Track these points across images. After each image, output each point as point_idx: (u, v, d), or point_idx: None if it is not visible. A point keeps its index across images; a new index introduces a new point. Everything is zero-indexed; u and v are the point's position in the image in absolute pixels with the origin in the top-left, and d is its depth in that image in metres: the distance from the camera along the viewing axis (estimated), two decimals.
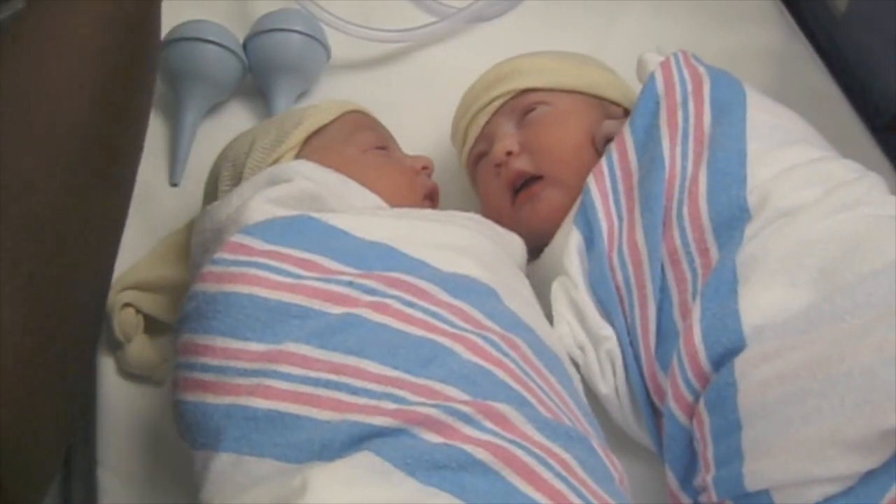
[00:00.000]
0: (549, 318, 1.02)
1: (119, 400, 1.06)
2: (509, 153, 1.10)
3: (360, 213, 0.97)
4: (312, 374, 0.83)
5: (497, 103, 1.14)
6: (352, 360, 0.83)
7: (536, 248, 1.09)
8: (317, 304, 0.86)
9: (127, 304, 1.08)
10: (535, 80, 1.14)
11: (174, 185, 1.24)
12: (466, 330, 0.86)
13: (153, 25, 0.85)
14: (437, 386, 0.82)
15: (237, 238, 0.92)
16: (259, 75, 1.30)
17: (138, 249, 1.14)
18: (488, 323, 0.88)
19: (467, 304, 0.88)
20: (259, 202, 0.95)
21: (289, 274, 0.88)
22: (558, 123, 1.11)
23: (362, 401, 0.82)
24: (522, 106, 1.13)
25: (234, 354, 0.86)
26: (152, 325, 1.11)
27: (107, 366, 1.08)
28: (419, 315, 0.86)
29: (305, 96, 1.33)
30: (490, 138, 1.14)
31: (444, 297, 0.88)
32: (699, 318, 0.92)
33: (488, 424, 0.80)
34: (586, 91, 1.14)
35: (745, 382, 0.88)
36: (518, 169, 1.10)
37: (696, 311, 0.93)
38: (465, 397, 0.82)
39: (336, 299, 0.86)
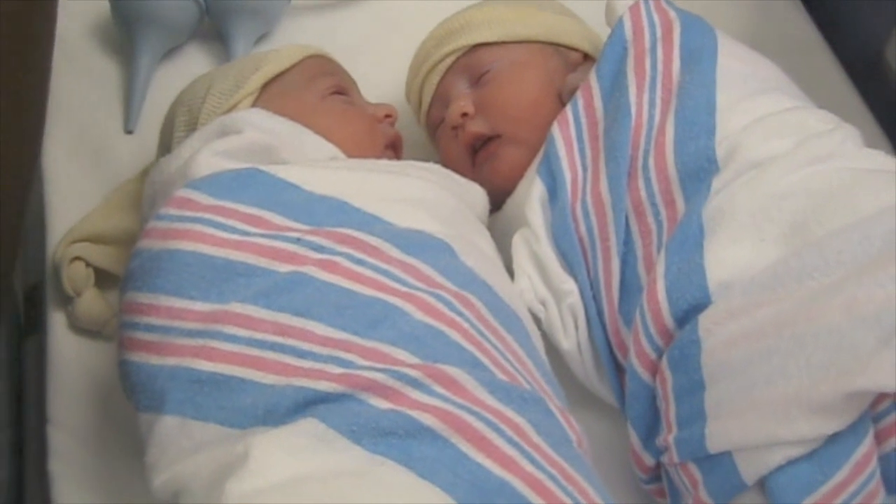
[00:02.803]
0: (511, 269, 1.01)
1: (69, 356, 1.05)
2: (465, 115, 1.08)
3: (312, 165, 0.94)
4: (258, 335, 0.81)
5: (448, 61, 1.12)
6: (298, 322, 0.81)
7: (500, 199, 1.08)
8: (263, 263, 0.84)
9: (77, 258, 1.07)
10: (486, 33, 1.11)
11: (129, 132, 1.22)
12: (418, 288, 0.85)
13: None
14: (386, 348, 0.80)
15: (183, 192, 0.89)
16: (217, 18, 1.28)
17: (92, 199, 1.14)
18: (441, 280, 0.87)
19: (420, 260, 0.87)
20: (207, 155, 0.93)
21: (235, 230, 0.86)
22: (513, 79, 1.08)
23: (308, 364, 0.80)
24: (475, 63, 1.11)
25: (179, 314, 0.84)
26: (104, 279, 1.09)
27: (57, 321, 1.07)
28: (369, 273, 0.85)
29: (265, 40, 1.31)
30: (445, 100, 1.11)
31: (396, 253, 0.87)
32: (663, 273, 0.91)
33: (438, 389, 0.78)
34: (542, 39, 1.11)
35: (710, 340, 0.87)
36: (474, 131, 1.08)
37: (661, 265, 0.92)
38: (415, 360, 0.80)
39: (283, 257, 0.84)
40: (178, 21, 1.25)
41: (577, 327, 0.98)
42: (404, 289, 0.84)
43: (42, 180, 1.16)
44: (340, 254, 0.85)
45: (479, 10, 1.14)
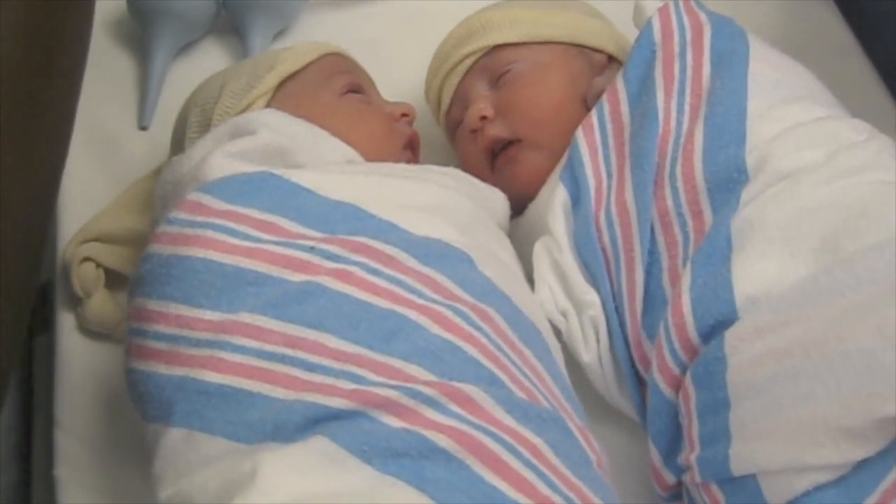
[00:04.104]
0: (531, 278, 0.98)
1: (78, 358, 1.03)
2: (484, 118, 1.05)
3: (327, 169, 0.92)
4: (267, 347, 0.79)
5: (468, 62, 1.09)
6: (309, 334, 0.79)
7: (521, 203, 1.05)
8: (275, 271, 0.82)
9: (87, 259, 1.05)
10: (507, 33, 1.08)
11: (143, 128, 1.20)
12: (435, 301, 0.82)
13: None
14: (400, 364, 0.78)
15: (194, 196, 0.87)
16: (234, 13, 1.25)
17: (104, 197, 1.12)
18: (459, 292, 0.84)
19: (437, 271, 0.84)
20: (220, 157, 0.90)
21: (247, 237, 0.84)
22: (534, 82, 1.06)
23: (319, 378, 0.78)
24: (496, 64, 1.08)
25: (188, 323, 0.82)
26: (115, 280, 1.07)
27: (66, 322, 1.05)
28: (384, 284, 0.82)
29: (283, 35, 1.28)
30: (464, 101, 1.08)
31: (413, 264, 0.84)
32: (689, 287, 0.89)
33: (453, 408, 0.76)
34: (565, 40, 1.09)
35: (736, 358, 0.85)
36: (493, 135, 1.05)
37: (686, 278, 0.90)
38: (430, 377, 0.78)
39: (295, 265, 0.82)
40: (195, 16, 1.23)
41: (598, 340, 0.96)
42: (420, 301, 0.82)
43: None
44: (355, 263, 0.83)
45: (501, 10, 1.11)
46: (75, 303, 1.05)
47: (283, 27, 1.28)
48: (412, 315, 0.81)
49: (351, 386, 0.77)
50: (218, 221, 0.85)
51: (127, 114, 1.21)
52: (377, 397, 0.76)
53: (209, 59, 1.25)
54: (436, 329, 0.81)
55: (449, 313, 0.82)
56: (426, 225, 0.88)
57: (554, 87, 1.06)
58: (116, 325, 1.04)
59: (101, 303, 1.04)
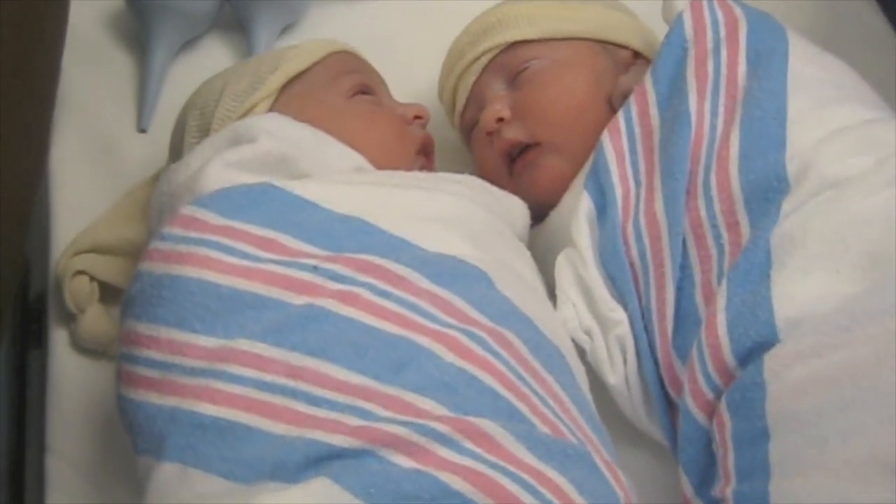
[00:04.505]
0: (552, 291, 0.95)
1: (72, 378, 0.99)
2: (500, 120, 1.02)
3: (332, 179, 0.88)
4: (267, 377, 0.75)
5: (484, 60, 1.05)
6: (312, 363, 0.75)
7: (542, 211, 1.02)
8: (275, 293, 0.78)
9: (80, 272, 1.01)
10: (526, 29, 1.04)
11: (142, 131, 1.17)
12: (449, 325, 0.78)
13: None
14: (411, 397, 0.73)
15: (188, 210, 0.83)
16: (238, 7, 1.22)
17: (100, 204, 1.08)
18: (476, 315, 0.80)
19: (452, 292, 0.80)
20: (217, 167, 0.86)
21: (245, 255, 0.80)
22: (554, 81, 1.02)
23: (322, 413, 0.73)
24: (513, 62, 1.04)
25: (181, 349, 0.78)
26: (111, 294, 1.02)
27: (58, 339, 1.01)
28: (394, 307, 0.78)
29: (290, 31, 1.24)
30: (480, 102, 1.05)
31: (425, 284, 0.80)
32: (724, 306, 0.85)
33: (469, 446, 0.71)
34: (588, 36, 1.05)
35: (776, 384, 0.81)
36: (510, 138, 1.02)
37: (722, 296, 0.86)
38: (443, 411, 0.73)
39: (297, 287, 0.79)
40: (197, 10, 1.19)
41: (625, 360, 0.92)
42: (433, 325, 0.78)
43: (47, 182, 1.11)
44: (362, 284, 0.79)
45: (519, 4, 1.07)
46: (68, 318, 1.01)
47: (290, 22, 1.24)
48: (424, 341, 0.77)
49: (357, 422, 0.72)
50: (214, 238, 0.81)
51: (125, 115, 1.18)
52: (385, 435, 0.71)
53: (212, 57, 1.22)
54: (450, 357, 0.76)
55: (464, 339, 0.78)
56: (439, 240, 0.84)
57: (575, 86, 1.02)
58: (112, 343, 0.99)
59: (95, 319, 1.00)
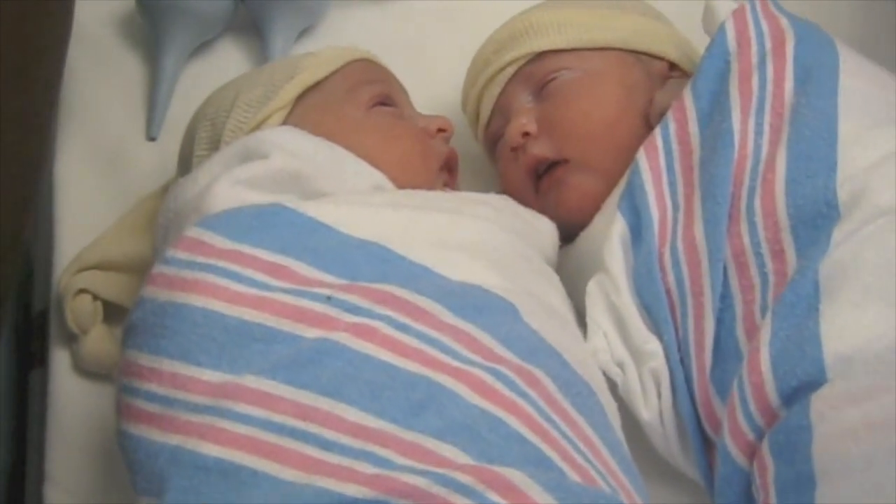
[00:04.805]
0: (582, 315, 0.92)
1: (73, 403, 0.97)
2: (526, 134, 0.99)
3: (349, 200, 0.84)
4: (275, 417, 0.71)
5: (510, 70, 1.01)
6: (325, 403, 0.71)
7: (570, 231, 0.99)
8: (285, 325, 0.75)
9: (83, 290, 0.97)
10: (555, 39, 1.01)
11: (151, 139, 1.14)
12: (473, 363, 0.75)
13: None
14: (431, 443, 0.69)
15: (194, 232, 0.79)
16: (254, 9, 1.19)
17: (106, 217, 1.05)
18: (502, 351, 0.76)
19: (477, 326, 0.77)
20: (225, 185, 0.83)
21: (254, 283, 0.77)
22: (583, 93, 0.99)
23: (335, 459, 0.69)
24: (541, 72, 1.01)
25: (184, 384, 0.75)
26: (115, 313, 0.99)
27: (59, 362, 0.98)
28: (414, 343, 0.75)
29: (308, 35, 1.21)
30: (505, 114, 1.02)
31: (448, 317, 0.77)
32: (769, 340, 0.82)
33: (494, 498, 0.66)
34: (621, 46, 1.01)
35: (824, 427, 0.77)
36: (536, 154, 0.98)
37: (766, 330, 0.83)
38: (466, 459, 0.69)
39: (310, 319, 0.75)
40: (210, 12, 1.17)
41: (660, 395, 0.89)
42: (456, 363, 0.74)
43: (52, 193, 1.09)
44: (379, 317, 0.75)
45: (548, 11, 1.04)
46: (70, 338, 0.98)
47: (308, 26, 1.22)
48: (446, 381, 0.73)
49: (372, 469, 0.68)
50: (220, 264, 0.77)
51: (134, 122, 1.15)
52: (403, 485, 0.67)
53: (226, 62, 1.19)
54: (474, 398, 0.72)
55: (489, 378, 0.74)
56: (464, 268, 0.81)
57: (606, 99, 0.99)
58: (115, 365, 0.92)
59: (98, 341, 0.97)
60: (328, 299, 0.75)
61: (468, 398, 0.72)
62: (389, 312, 0.75)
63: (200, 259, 0.77)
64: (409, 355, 0.73)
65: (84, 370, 0.98)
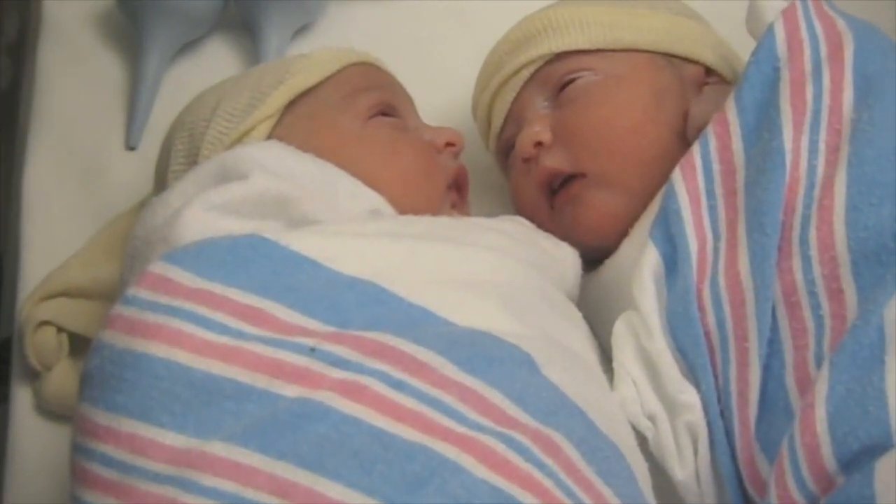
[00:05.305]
0: (607, 352, 0.86)
1: (35, 447, 0.92)
2: (539, 144, 0.93)
3: (339, 231, 0.77)
4: (247, 492, 0.64)
5: (526, 73, 0.96)
6: (305, 478, 0.64)
7: (588, 253, 0.93)
8: (261, 382, 0.68)
9: (46, 322, 0.91)
10: (576, 38, 0.95)
11: (131, 148, 1.10)
12: (483, 428, 0.67)
13: None
14: None
15: (159, 268, 0.71)
16: (245, 5, 1.15)
17: (79, 235, 1.01)
18: (516, 413, 0.69)
19: (487, 383, 0.69)
20: (198, 210, 0.76)
21: (225, 330, 0.70)
22: (605, 99, 0.93)
23: None
24: (560, 76, 0.95)
25: (144, 448, 0.67)
26: (85, 345, 0.90)
27: (21, 400, 0.93)
28: (411, 404, 0.67)
29: (305, 33, 1.17)
30: (519, 122, 0.97)
31: (452, 372, 0.69)
32: (826, 396, 0.76)
33: None
34: (650, 48, 0.95)
35: (891, 499, 0.71)
36: (550, 167, 0.93)
37: (822, 384, 0.76)
38: None
39: (289, 374, 0.68)
40: (197, 8, 1.12)
41: (696, 452, 0.83)
42: (461, 429, 0.67)
43: (19, 207, 1.05)
44: (371, 372, 0.68)
45: (569, 7, 0.98)
46: (32, 376, 0.94)
47: (305, 23, 1.18)
48: (450, 451, 0.65)
49: None
50: (187, 306, 0.70)
51: (111, 129, 1.11)
52: None
53: (214, 63, 1.15)
54: (482, 471, 0.65)
55: (501, 446, 0.66)
56: (471, 310, 0.74)
57: (631, 105, 0.93)
58: None
59: (62, 378, 0.91)
60: (311, 351, 0.69)
61: (475, 471, 0.65)
62: (383, 367, 0.68)
63: (164, 300, 0.70)
64: (406, 419, 0.67)
65: (47, 410, 0.92)
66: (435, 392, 0.68)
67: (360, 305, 0.71)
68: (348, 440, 0.64)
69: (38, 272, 0.97)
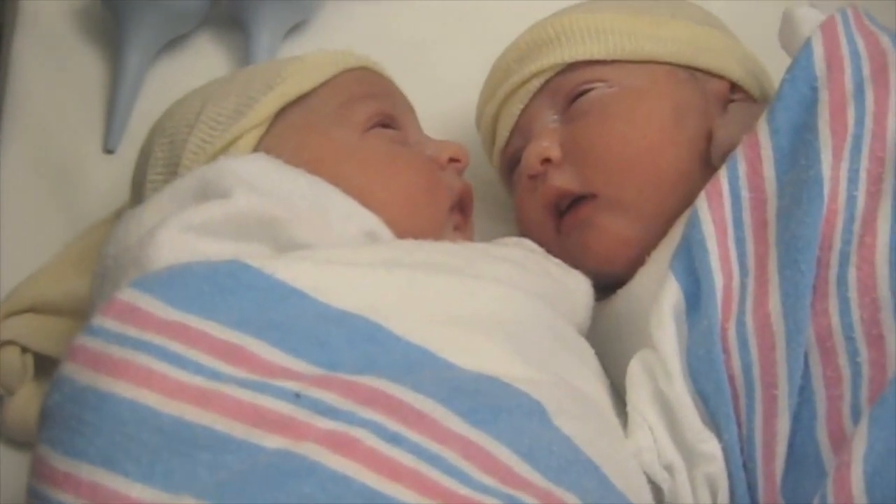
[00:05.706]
0: (618, 389, 0.82)
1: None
2: (546, 160, 0.89)
3: (330, 258, 0.71)
4: None
5: (535, 83, 0.92)
6: None
7: (598, 280, 0.89)
8: (239, 430, 0.62)
9: (9, 342, 0.87)
10: (591, 47, 0.91)
11: (109, 151, 1.07)
12: (488, 489, 0.62)
13: None
14: None
15: (128, 295, 0.65)
16: (234, 0, 1.13)
17: (55, 242, 0.97)
18: (525, 471, 0.64)
19: (493, 437, 0.64)
20: (174, 231, 0.70)
21: (199, 369, 0.64)
22: (619, 114, 0.89)
23: None
24: (571, 86, 0.91)
25: (107, 499, 0.62)
26: (53, 365, 0.84)
27: None
28: (408, 461, 0.62)
29: (299, 32, 1.15)
30: (527, 136, 0.93)
31: (455, 424, 0.64)
32: (863, 455, 0.71)
33: None
34: (671, 60, 0.91)
35: None
36: (557, 186, 0.89)
37: (860, 440, 0.72)
38: None
39: (271, 423, 0.63)
40: (183, 4, 1.09)
41: None
42: (464, 490, 0.62)
43: None
44: (363, 423, 0.63)
45: (584, 14, 0.94)
46: None
47: (300, 21, 1.15)
48: None
49: None
50: (158, 341, 0.64)
51: (89, 131, 1.08)
52: None
53: (201, 62, 1.12)
54: None
55: None
56: (478, 352, 0.69)
57: (648, 121, 0.89)
58: None
59: (25, 403, 0.86)
60: (296, 396, 0.63)
61: None
62: (377, 417, 0.63)
63: (133, 332, 0.64)
64: (402, 478, 0.62)
65: (10, 439, 0.88)
66: (435, 447, 0.63)
67: (351, 344, 0.66)
68: (336, 501, 0.59)
69: (7, 283, 0.93)
